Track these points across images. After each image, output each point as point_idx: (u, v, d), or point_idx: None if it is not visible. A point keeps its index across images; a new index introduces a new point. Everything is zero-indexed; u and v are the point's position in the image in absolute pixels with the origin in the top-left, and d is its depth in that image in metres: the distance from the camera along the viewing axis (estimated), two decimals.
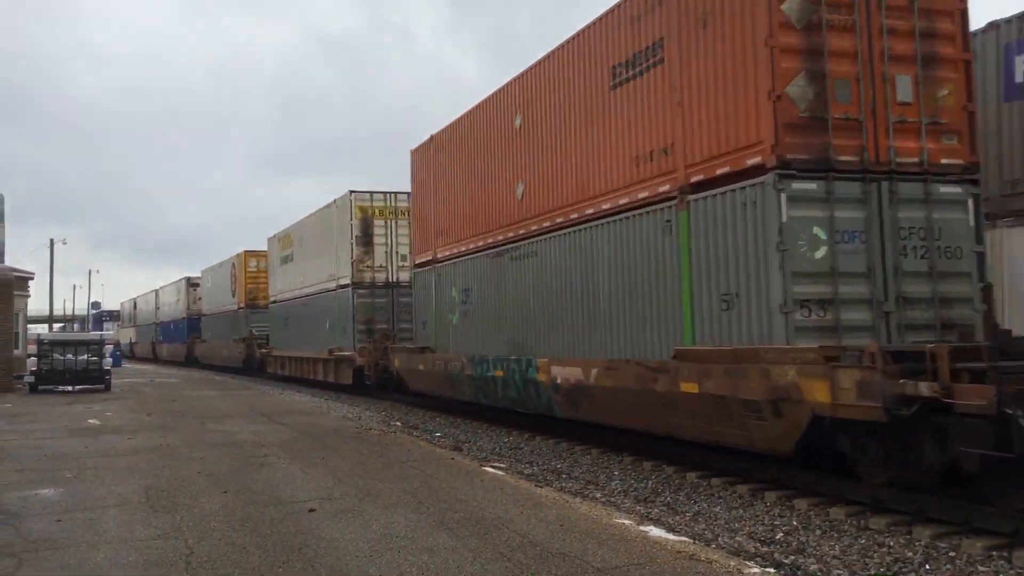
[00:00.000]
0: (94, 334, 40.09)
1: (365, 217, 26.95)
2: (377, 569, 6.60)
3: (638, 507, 10.01)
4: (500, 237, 16.56)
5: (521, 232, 15.63)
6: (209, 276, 50.99)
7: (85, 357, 28.16)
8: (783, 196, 9.56)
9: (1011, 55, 13.02)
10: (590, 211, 13.25)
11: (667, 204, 11.41)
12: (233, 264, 44.75)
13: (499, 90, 16.94)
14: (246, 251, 43.02)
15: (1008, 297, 12.29)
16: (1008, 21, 13.13)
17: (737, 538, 8.50)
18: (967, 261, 10.17)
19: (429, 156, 20.96)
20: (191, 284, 55.24)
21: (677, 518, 9.44)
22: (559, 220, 14.25)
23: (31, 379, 27.89)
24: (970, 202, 10.28)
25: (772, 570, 7.11)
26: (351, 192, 27.24)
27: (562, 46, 14.36)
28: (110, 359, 29.46)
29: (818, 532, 8.63)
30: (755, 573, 6.72)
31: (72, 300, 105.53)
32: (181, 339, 56.00)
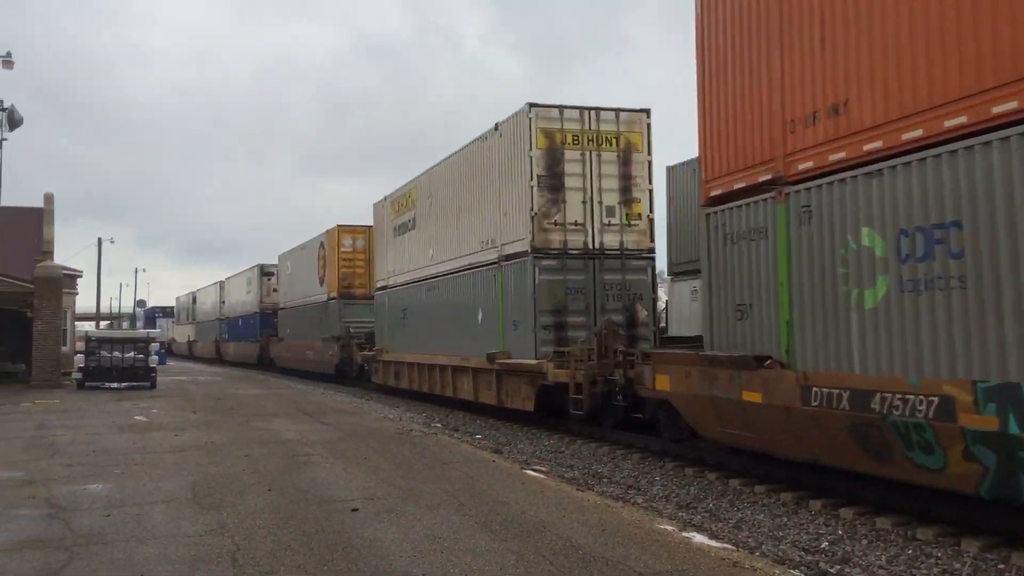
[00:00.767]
0: (140, 332, 40.74)
1: (552, 146, 17.61)
2: (420, 570, 6.63)
3: (680, 513, 9.97)
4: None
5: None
6: (288, 261, 42.79)
7: (132, 355, 28.62)
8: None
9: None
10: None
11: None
12: (322, 244, 36.19)
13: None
14: (339, 226, 34.85)
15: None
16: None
17: (781, 546, 8.42)
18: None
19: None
20: (264, 273, 47.79)
21: (720, 525, 9.37)
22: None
23: (79, 376, 28.41)
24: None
25: None
26: (530, 106, 17.70)
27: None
28: (155, 357, 29.89)
29: (864, 542, 8.52)
30: None
31: (119, 298, 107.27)
32: (252, 337, 48.67)
